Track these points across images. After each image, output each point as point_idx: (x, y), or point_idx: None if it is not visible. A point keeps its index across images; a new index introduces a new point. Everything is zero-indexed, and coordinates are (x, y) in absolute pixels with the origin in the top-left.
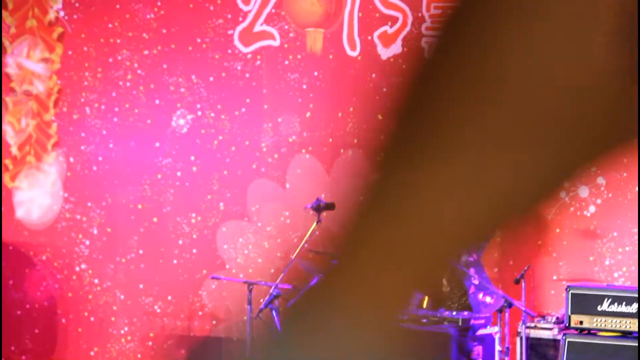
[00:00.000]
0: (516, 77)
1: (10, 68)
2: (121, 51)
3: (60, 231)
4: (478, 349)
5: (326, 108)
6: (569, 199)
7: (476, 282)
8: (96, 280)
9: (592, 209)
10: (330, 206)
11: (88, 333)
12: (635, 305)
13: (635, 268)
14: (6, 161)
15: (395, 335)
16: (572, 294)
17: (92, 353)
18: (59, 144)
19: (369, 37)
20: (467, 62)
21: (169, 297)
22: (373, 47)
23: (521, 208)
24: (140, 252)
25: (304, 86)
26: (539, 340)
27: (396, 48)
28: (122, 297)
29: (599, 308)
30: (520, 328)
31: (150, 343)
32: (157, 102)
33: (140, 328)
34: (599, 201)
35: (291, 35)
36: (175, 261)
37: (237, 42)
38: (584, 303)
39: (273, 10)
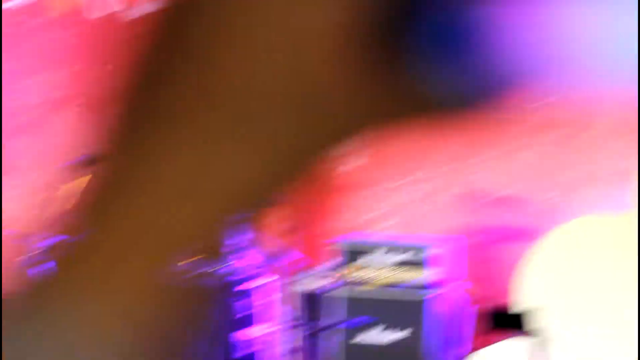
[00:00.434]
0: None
1: None
2: None
3: None
4: (241, 304)
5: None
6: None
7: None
8: None
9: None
10: None
11: None
12: (407, 255)
13: (401, 219)
14: None
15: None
16: (344, 246)
17: None
18: None
19: None
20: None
21: None
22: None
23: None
24: None
25: None
26: (313, 294)
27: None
28: None
29: (373, 259)
30: (291, 280)
31: None
32: None
33: None
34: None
35: None
36: None
37: None
38: (358, 256)
39: None
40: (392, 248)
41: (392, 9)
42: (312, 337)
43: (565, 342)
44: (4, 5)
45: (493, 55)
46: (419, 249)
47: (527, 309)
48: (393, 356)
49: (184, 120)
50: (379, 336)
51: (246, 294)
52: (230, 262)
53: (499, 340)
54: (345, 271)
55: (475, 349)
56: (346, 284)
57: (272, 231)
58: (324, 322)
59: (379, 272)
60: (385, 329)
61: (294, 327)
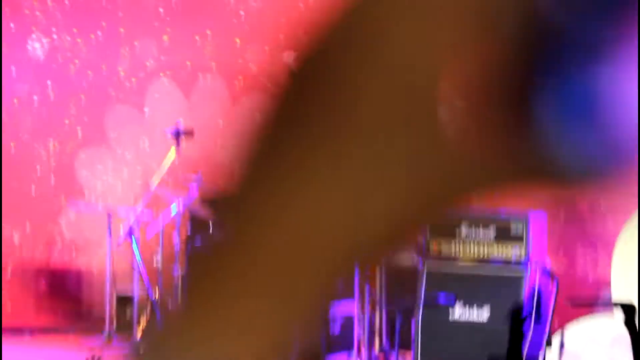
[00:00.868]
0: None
1: None
2: None
3: None
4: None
5: (183, 32)
6: None
7: None
8: None
9: None
10: (189, 132)
11: None
12: (492, 229)
13: None
14: None
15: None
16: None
17: None
18: None
19: None
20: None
21: (27, 227)
22: None
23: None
24: None
25: (161, 9)
26: (399, 269)
27: None
28: None
29: (456, 233)
30: None
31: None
32: (11, 25)
33: None
34: None
35: None
36: (33, 188)
37: None
38: (441, 228)
39: None
40: (480, 220)
41: (525, 71)
42: (403, 315)
43: None
44: None
45: (619, 130)
46: (509, 222)
47: (610, 285)
48: (485, 333)
49: (329, 152)
50: (468, 313)
51: None
52: None
53: (580, 317)
54: (432, 247)
55: (558, 325)
56: (433, 259)
57: None
58: (413, 299)
59: (466, 246)
60: (474, 305)
61: (378, 305)
